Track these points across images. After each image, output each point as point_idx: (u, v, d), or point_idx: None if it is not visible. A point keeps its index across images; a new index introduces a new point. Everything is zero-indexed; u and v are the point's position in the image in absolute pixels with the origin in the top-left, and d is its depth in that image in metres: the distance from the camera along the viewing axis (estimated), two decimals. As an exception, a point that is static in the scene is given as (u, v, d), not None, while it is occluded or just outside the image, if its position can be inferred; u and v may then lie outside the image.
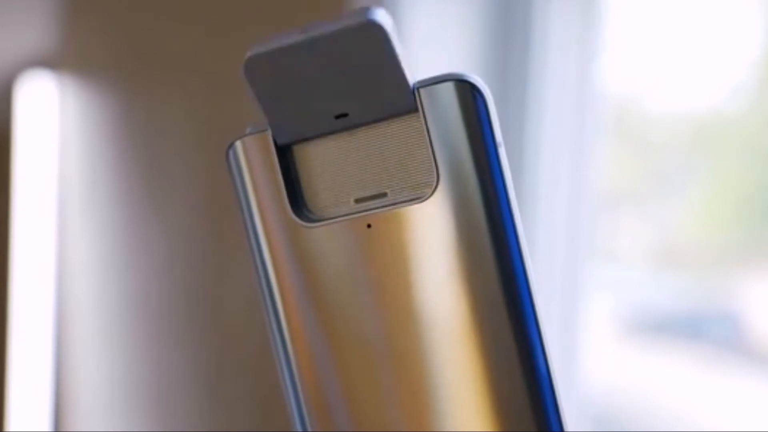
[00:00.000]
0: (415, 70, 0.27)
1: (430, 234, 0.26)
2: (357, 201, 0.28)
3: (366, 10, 0.26)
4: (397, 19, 0.85)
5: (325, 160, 0.28)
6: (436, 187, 0.26)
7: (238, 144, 0.29)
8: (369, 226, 0.27)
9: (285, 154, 0.28)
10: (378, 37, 0.26)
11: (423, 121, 0.26)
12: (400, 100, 0.26)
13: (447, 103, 0.26)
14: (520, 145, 0.88)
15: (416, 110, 0.26)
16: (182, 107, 1.32)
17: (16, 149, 2.08)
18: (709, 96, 0.86)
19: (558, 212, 0.89)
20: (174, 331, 1.36)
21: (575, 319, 0.89)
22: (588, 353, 0.90)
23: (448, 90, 0.26)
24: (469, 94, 0.26)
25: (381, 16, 0.25)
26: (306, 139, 0.28)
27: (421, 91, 0.26)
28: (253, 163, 0.28)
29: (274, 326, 0.29)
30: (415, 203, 0.26)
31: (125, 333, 1.51)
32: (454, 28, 0.90)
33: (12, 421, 2.17)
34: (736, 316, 0.85)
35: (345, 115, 0.27)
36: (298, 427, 0.29)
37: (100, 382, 1.63)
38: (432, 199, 0.26)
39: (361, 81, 0.26)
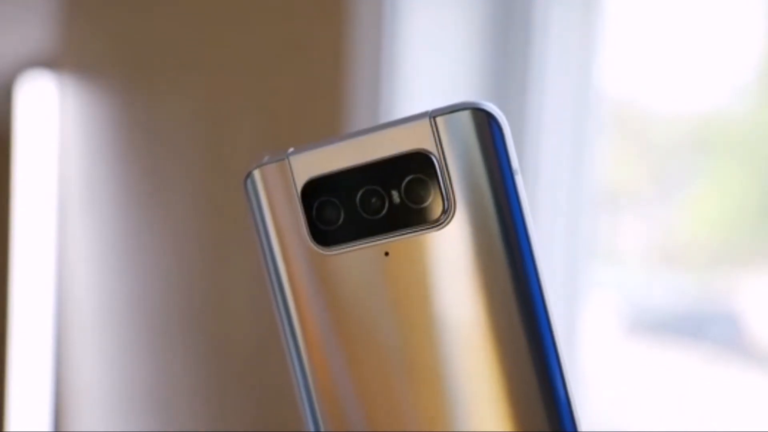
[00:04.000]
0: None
1: (448, 261, 0.26)
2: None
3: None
4: (397, 19, 0.85)
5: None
6: (453, 215, 0.26)
7: (256, 173, 0.29)
8: (387, 254, 0.27)
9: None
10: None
11: (440, 149, 0.26)
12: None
13: (463, 132, 0.26)
14: (521, 146, 0.88)
15: (432, 138, 0.27)
16: (182, 107, 1.32)
17: (16, 149, 2.08)
18: (709, 96, 0.86)
19: (558, 212, 0.89)
20: (174, 331, 1.36)
21: (575, 318, 0.89)
22: (588, 353, 0.90)
23: (465, 118, 0.26)
24: (485, 122, 0.26)
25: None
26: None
27: (438, 119, 0.26)
28: (271, 191, 0.29)
29: (292, 349, 0.29)
30: (433, 230, 0.27)
31: (125, 333, 1.51)
32: (455, 29, 0.90)
33: (12, 421, 2.17)
34: (736, 316, 0.85)
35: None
36: None
37: (100, 382, 1.63)
38: (449, 226, 0.26)
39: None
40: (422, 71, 0.87)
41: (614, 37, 0.89)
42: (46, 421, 1.98)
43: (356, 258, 0.28)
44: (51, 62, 1.85)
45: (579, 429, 0.26)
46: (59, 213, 1.81)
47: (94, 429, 1.64)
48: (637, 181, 0.96)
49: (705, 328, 0.88)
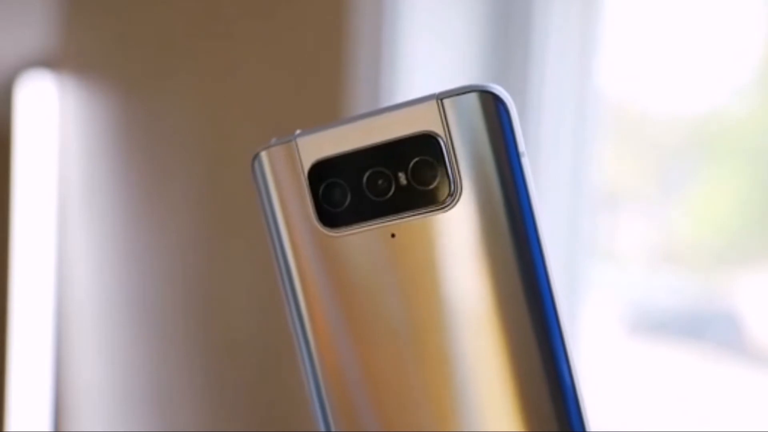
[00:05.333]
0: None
1: (454, 242, 0.27)
2: None
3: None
4: (397, 17, 0.85)
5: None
6: (459, 197, 0.26)
7: (264, 154, 0.29)
8: (393, 235, 0.27)
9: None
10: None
11: (446, 131, 0.26)
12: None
13: (470, 114, 0.26)
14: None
15: (440, 120, 0.27)
16: (182, 106, 1.32)
17: (16, 149, 2.08)
18: (709, 96, 0.86)
19: (558, 212, 0.89)
20: (174, 331, 1.36)
21: (575, 318, 0.89)
22: (588, 352, 0.90)
23: (472, 101, 0.26)
24: (492, 104, 0.26)
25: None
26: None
27: (445, 101, 0.26)
28: (278, 173, 0.29)
29: (299, 330, 0.29)
30: (439, 212, 0.27)
31: (125, 333, 1.51)
32: (454, 28, 0.90)
33: (12, 421, 2.17)
34: (736, 316, 0.85)
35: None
36: (322, 428, 0.29)
37: (100, 382, 1.63)
38: (455, 208, 0.26)
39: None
40: (421, 67, 0.87)
41: (614, 36, 0.89)
42: (46, 421, 1.98)
43: (363, 239, 0.28)
44: (51, 62, 1.85)
45: (587, 425, 0.26)
46: (59, 213, 1.81)
47: (94, 429, 1.64)
48: (637, 181, 0.96)
49: (705, 328, 0.88)
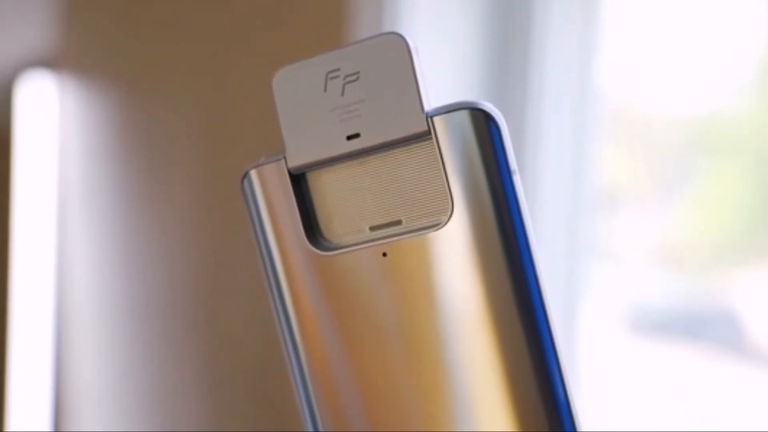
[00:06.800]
0: (431, 98, 0.27)
1: (446, 261, 0.26)
2: (372, 229, 0.28)
3: (391, 31, 0.26)
4: (397, 17, 0.85)
5: (340, 188, 0.28)
6: (451, 216, 0.26)
7: (253, 173, 0.29)
8: (384, 254, 0.27)
9: (299, 183, 0.28)
10: (400, 50, 0.26)
11: (437, 149, 0.26)
12: (412, 123, 0.26)
13: (461, 132, 0.26)
14: (521, 146, 0.88)
15: (429, 136, 0.26)
16: (182, 107, 1.32)
17: (16, 149, 2.08)
18: (709, 96, 0.87)
19: (558, 212, 0.89)
20: (174, 332, 1.36)
21: (575, 318, 0.89)
22: (587, 352, 0.90)
23: (463, 118, 0.26)
24: (483, 122, 0.26)
25: (405, 36, 0.26)
26: (320, 167, 0.28)
27: (435, 119, 0.26)
28: (267, 191, 0.29)
29: (291, 349, 0.29)
30: (431, 231, 0.26)
31: (125, 334, 1.51)
32: (455, 28, 0.90)
33: (12, 421, 2.17)
34: (736, 316, 0.85)
35: (357, 135, 0.27)
36: None
37: (100, 382, 1.63)
38: (447, 227, 0.26)
39: (377, 97, 0.26)
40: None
41: (614, 36, 0.89)
42: (46, 421, 1.98)
43: (354, 259, 0.27)
44: (51, 62, 1.85)
45: (578, 426, 0.26)
46: (59, 213, 1.81)
47: (94, 429, 1.64)
48: (637, 182, 0.96)
49: (705, 328, 0.88)
